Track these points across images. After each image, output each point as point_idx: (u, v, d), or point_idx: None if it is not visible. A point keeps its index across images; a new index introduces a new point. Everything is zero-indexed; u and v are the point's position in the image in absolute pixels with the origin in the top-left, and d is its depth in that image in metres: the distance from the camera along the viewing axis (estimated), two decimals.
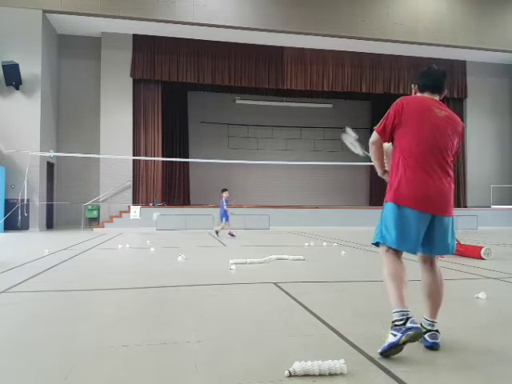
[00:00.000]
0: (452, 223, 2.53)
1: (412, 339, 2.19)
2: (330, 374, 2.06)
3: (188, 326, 2.91)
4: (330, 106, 21.00)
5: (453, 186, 2.52)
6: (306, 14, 15.47)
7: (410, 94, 2.72)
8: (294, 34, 15.62)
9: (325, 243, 9.23)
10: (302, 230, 14.47)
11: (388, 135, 2.57)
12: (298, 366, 2.06)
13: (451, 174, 2.52)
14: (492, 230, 15.73)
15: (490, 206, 17.89)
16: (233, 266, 5.51)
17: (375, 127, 2.60)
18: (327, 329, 2.85)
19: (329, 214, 16.02)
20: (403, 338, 2.19)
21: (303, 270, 5.59)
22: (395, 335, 2.22)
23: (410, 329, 2.19)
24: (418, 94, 2.69)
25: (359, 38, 15.96)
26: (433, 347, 2.43)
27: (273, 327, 2.89)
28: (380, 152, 2.63)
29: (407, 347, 2.27)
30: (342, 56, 17.19)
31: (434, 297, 2.51)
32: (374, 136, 2.60)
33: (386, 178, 2.68)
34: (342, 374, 2.07)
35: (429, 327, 2.49)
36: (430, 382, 2.03)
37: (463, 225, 15.66)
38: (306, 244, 8.88)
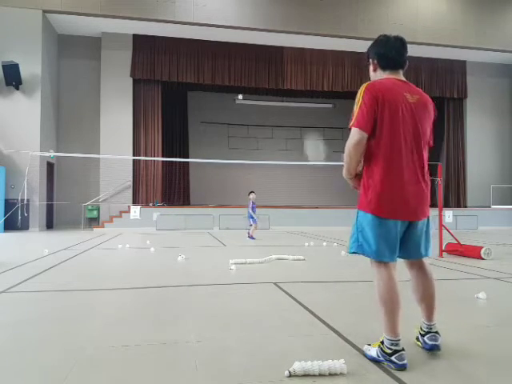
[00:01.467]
0: (427, 224, 2.36)
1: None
2: (330, 374, 2.06)
3: (188, 326, 2.90)
4: (330, 106, 21.01)
5: (429, 183, 2.34)
6: (305, 13, 15.47)
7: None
8: (294, 34, 15.62)
9: (325, 243, 9.23)
10: (301, 229, 14.47)
11: (371, 129, 2.19)
12: (297, 366, 2.06)
13: (427, 169, 2.32)
14: (492, 229, 15.73)
15: (490, 206, 17.88)
16: (233, 266, 5.51)
17: (351, 124, 2.20)
18: (327, 329, 2.85)
19: (329, 214, 16.02)
20: (384, 363, 2.21)
21: (303, 270, 5.59)
22: (379, 357, 2.22)
23: (393, 363, 2.15)
24: (379, 73, 2.38)
25: (359, 38, 15.95)
26: (433, 349, 2.36)
27: (273, 327, 2.89)
28: (362, 153, 2.25)
29: (407, 348, 2.27)
30: (341, 56, 17.19)
31: (428, 301, 2.40)
32: (358, 134, 2.17)
33: (353, 182, 2.37)
34: (342, 374, 2.07)
35: (427, 329, 2.42)
36: (429, 382, 2.03)
37: (463, 225, 15.68)
38: (306, 244, 8.88)
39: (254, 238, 10.64)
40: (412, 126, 2.24)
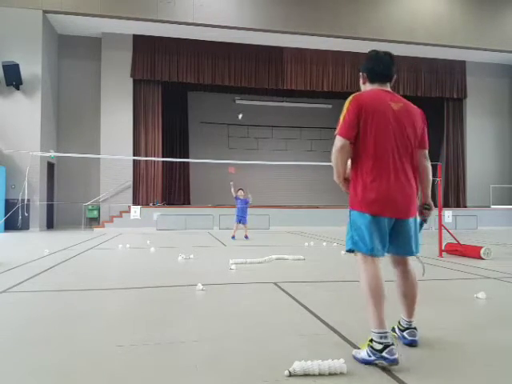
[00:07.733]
0: (415, 223, 2.47)
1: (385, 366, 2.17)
2: (330, 374, 2.07)
3: (188, 326, 2.91)
4: (330, 106, 21.00)
5: (416, 184, 2.44)
6: (305, 14, 15.47)
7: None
8: (294, 34, 15.62)
9: (325, 243, 9.23)
10: (301, 229, 14.48)
11: (354, 137, 2.37)
12: (297, 366, 2.06)
13: (415, 170, 2.45)
14: (492, 229, 15.73)
15: (489, 206, 17.88)
16: (233, 266, 5.51)
17: (336, 132, 2.39)
18: (327, 329, 2.86)
19: (329, 214, 16.01)
20: (377, 362, 2.18)
21: (303, 269, 5.60)
22: (370, 356, 2.20)
23: (385, 359, 2.15)
24: (368, 86, 2.55)
25: (359, 38, 15.95)
26: (411, 344, 2.47)
27: (273, 327, 2.90)
28: (347, 158, 2.42)
29: (405, 348, 2.28)
30: (341, 56, 17.19)
31: (409, 298, 2.52)
32: (341, 141, 2.36)
33: (344, 186, 2.52)
34: (341, 374, 2.08)
35: (406, 326, 2.53)
36: (429, 382, 2.04)
37: (463, 225, 15.69)
38: (306, 244, 8.88)
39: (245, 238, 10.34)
40: (398, 131, 2.39)
